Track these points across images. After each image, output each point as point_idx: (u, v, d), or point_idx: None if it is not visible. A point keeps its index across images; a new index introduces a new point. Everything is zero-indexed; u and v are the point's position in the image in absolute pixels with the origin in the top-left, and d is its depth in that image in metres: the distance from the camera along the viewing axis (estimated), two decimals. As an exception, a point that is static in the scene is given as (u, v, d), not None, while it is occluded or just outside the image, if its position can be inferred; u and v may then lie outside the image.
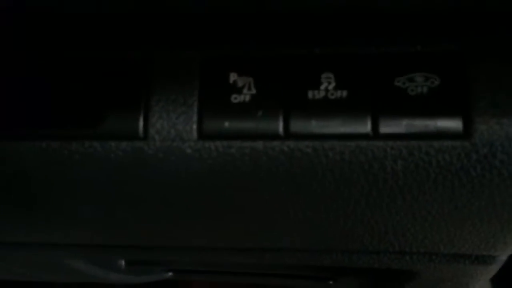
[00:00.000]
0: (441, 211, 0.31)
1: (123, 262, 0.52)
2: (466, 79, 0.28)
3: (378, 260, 0.38)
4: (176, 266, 0.57)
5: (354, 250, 0.37)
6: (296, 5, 0.29)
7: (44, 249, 0.42)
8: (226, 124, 0.29)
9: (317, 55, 0.30)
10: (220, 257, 0.41)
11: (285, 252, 0.38)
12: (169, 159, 0.29)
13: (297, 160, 0.29)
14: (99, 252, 0.42)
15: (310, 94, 0.29)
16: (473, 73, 0.28)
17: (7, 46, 0.31)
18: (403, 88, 0.29)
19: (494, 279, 0.49)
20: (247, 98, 0.29)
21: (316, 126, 0.29)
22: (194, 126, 0.29)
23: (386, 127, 0.28)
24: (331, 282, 0.56)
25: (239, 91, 0.29)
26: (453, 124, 0.28)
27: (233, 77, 0.30)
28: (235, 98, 0.29)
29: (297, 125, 0.29)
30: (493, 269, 0.39)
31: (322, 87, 0.29)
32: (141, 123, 0.29)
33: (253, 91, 0.29)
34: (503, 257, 0.37)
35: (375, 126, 0.28)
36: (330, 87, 0.29)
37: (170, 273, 0.60)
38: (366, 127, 0.29)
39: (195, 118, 0.29)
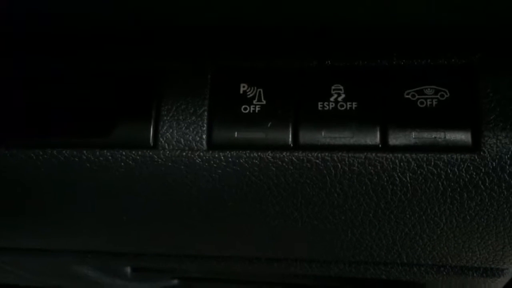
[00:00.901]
0: (450, 223, 0.31)
1: (129, 269, 0.53)
2: (475, 93, 0.28)
3: (386, 272, 0.38)
4: (182, 273, 0.57)
5: (362, 261, 0.37)
6: (307, 18, 0.29)
7: (52, 255, 0.42)
8: (236, 134, 0.29)
9: (327, 66, 0.30)
10: (227, 266, 0.41)
11: (293, 262, 0.38)
12: (179, 168, 0.30)
13: (306, 171, 0.29)
14: (105, 259, 0.42)
15: (319, 105, 0.29)
16: (482, 87, 0.28)
17: (20, 56, 0.32)
18: (412, 101, 0.29)
19: None
20: (257, 108, 0.29)
21: (325, 137, 0.29)
22: (204, 136, 0.29)
23: (395, 139, 0.28)
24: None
25: (249, 101, 0.29)
26: (462, 137, 0.28)
27: (243, 87, 0.30)
28: (245, 109, 0.29)
29: (307, 136, 0.29)
30: (502, 281, 0.39)
31: (332, 98, 0.29)
32: (151, 132, 0.30)
33: (263, 101, 0.29)
34: (512, 271, 0.37)
35: (384, 138, 0.29)
36: (340, 98, 0.29)
37: (176, 281, 0.60)
38: (375, 138, 0.29)
39: (205, 128, 0.29)
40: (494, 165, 0.28)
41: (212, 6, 0.28)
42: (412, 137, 0.28)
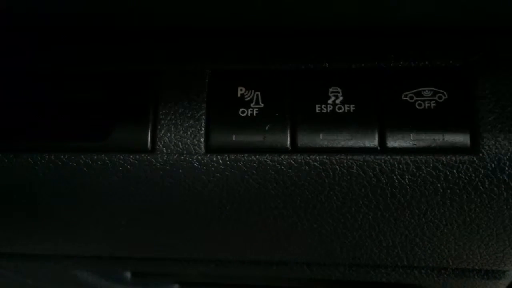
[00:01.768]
0: (450, 225, 0.31)
1: (129, 274, 0.52)
2: (474, 94, 0.28)
3: (387, 275, 0.38)
4: (182, 278, 0.57)
5: (362, 264, 0.37)
6: (304, 20, 0.29)
7: (51, 260, 0.42)
8: (234, 137, 0.29)
9: (324, 69, 0.30)
10: (226, 270, 0.41)
11: (292, 266, 0.38)
12: (177, 172, 0.29)
13: (305, 174, 0.29)
14: (105, 264, 0.42)
15: (317, 108, 0.29)
16: (481, 88, 0.28)
17: (18, 60, 0.32)
18: (410, 103, 0.29)
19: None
20: (255, 111, 0.29)
21: (323, 139, 0.29)
22: (202, 140, 0.29)
23: (394, 141, 0.28)
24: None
25: (246, 105, 0.29)
26: (461, 138, 0.28)
27: (240, 91, 0.30)
28: (243, 112, 0.29)
29: (305, 139, 0.29)
30: (503, 283, 0.39)
31: (330, 101, 0.29)
32: (149, 136, 0.30)
33: (261, 105, 0.29)
34: (513, 272, 0.37)
35: (382, 140, 0.28)
36: (338, 101, 0.29)
37: (176, 285, 0.59)
38: (373, 141, 0.29)
39: (202, 131, 0.29)
40: (493, 166, 0.28)
41: (210, 7, 0.28)
42: (410, 139, 0.28)
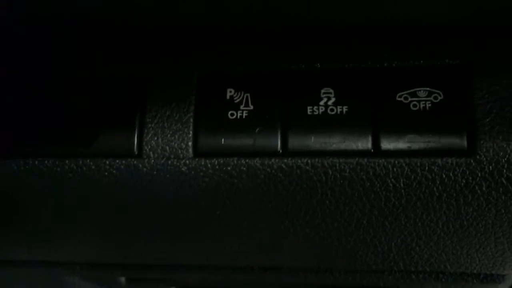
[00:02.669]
0: (447, 229, 0.30)
1: (123, 280, 0.52)
2: (470, 94, 0.27)
3: (383, 280, 0.37)
4: (178, 283, 0.57)
5: (358, 269, 0.36)
6: (295, 20, 0.28)
7: (41, 267, 0.41)
8: (223, 141, 0.28)
9: (316, 69, 0.29)
10: (220, 275, 0.40)
11: (286, 271, 0.37)
12: (164, 177, 0.29)
13: (296, 178, 0.28)
14: (96, 270, 0.41)
15: (309, 109, 0.28)
16: (477, 88, 0.27)
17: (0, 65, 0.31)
18: (405, 103, 0.28)
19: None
20: (244, 114, 0.28)
21: (315, 142, 0.28)
22: (190, 143, 0.29)
23: (388, 144, 0.28)
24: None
25: (236, 107, 0.29)
26: (457, 140, 0.27)
27: (229, 92, 0.29)
28: (232, 114, 0.29)
29: (296, 142, 0.28)
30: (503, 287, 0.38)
31: (322, 102, 0.28)
32: (135, 140, 0.29)
33: (250, 107, 0.29)
34: (513, 277, 0.36)
35: (376, 143, 0.28)
36: (330, 102, 0.28)
37: (172, 289, 0.59)
38: (367, 143, 0.28)
39: (190, 135, 0.29)
40: (490, 169, 0.27)
41: (197, 8, 0.27)
42: (405, 141, 0.27)
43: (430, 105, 0.28)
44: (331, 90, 0.28)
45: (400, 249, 0.32)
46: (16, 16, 0.27)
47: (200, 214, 0.30)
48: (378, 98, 0.28)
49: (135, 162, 0.29)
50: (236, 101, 0.29)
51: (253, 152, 0.28)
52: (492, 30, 0.28)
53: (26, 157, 0.29)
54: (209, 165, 0.28)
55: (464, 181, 0.27)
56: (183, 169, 0.28)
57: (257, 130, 0.28)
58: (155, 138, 0.29)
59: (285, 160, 0.28)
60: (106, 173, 0.29)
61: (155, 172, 0.29)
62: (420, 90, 0.28)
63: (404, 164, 0.27)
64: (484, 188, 0.27)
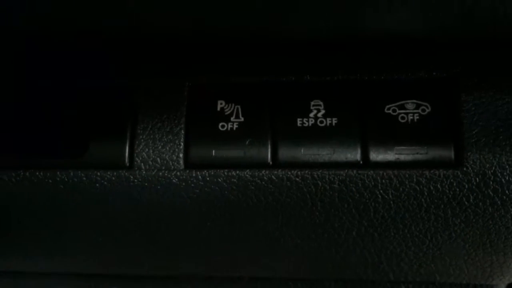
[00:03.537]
0: (435, 240, 0.30)
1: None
2: (457, 107, 0.28)
3: None
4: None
5: (347, 280, 0.36)
6: (286, 34, 0.29)
7: (34, 278, 0.41)
8: (213, 152, 0.29)
9: (306, 82, 0.29)
10: (211, 286, 0.40)
11: (277, 282, 0.37)
12: (155, 188, 0.29)
13: (286, 189, 0.28)
14: (88, 281, 0.41)
15: (299, 121, 0.28)
16: (464, 101, 0.28)
17: None
18: (393, 116, 0.28)
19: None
20: (235, 126, 0.29)
21: (305, 154, 0.28)
22: (181, 155, 0.29)
23: (377, 155, 0.28)
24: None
25: (226, 119, 0.29)
26: (445, 152, 0.27)
27: (220, 104, 0.29)
28: (223, 126, 0.29)
29: (286, 154, 0.28)
30: (492, 298, 0.38)
31: (312, 114, 0.29)
32: (126, 152, 0.29)
33: (241, 118, 0.29)
34: (502, 287, 0.36)
35: (365, 154, 0.28)
36: (320, 114, 0.29)
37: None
38: (356, 155, 0.28)
39: (181, 146, 0.29)
40: (477, 181, 0.27)
41: (189, 22, 0.27)
42: (393, 153, 0.28)
43: (418, 117, 0.28)
44: (321, 102, 0.29)
45: (390, 260, 0.32)
46: (11, 28, 0.27)
47: (190, 226, 0.30)
48: (367, 110, 0.28)
49: (126, 173, 0.29)
50: (226, 113, 0.29)
51: (244, 164, 0.28)
52: (478, 44, 0.29)
53: (17, 169, 0.29)
54: (200, 177, 0.28)
55: (451, 193, 0.27)
56: (174, 180, 0.29)
57: (247, 142, 0.28)
58: (146, 150, 0.29)
59: (275, 172, 0.28)
60: (97, 185, 0.29)
61: (146, 184, 0.29)
62: (408, 103, 0.28)
63: (392, 176, 0.28)
64: (471, 200, 0.28)
